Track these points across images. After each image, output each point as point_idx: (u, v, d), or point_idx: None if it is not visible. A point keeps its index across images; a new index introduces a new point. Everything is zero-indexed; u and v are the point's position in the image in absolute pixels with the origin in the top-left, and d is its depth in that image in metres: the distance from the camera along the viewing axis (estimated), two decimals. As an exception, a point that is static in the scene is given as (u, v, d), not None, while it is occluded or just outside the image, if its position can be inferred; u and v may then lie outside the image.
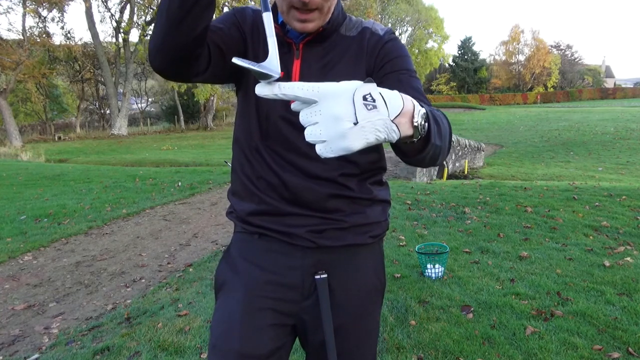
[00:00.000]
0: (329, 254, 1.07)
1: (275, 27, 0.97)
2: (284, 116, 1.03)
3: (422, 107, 0.74)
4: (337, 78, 0.87)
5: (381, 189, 1.14)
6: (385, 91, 0.67)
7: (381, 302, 1.17)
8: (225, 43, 0.99)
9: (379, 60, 1.03)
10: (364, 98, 0.63)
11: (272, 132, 1.04)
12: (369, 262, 1.12)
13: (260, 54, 1.02)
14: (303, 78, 1.01)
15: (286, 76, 1.02)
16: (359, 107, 0.63)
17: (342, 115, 0.62)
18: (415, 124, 0.70)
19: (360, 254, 1.10)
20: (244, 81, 1.07)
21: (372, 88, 0.65)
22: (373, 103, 0.63)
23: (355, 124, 0.62)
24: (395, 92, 0.69)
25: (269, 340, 1.05)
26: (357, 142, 0.62)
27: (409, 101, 0.70)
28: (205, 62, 0.95)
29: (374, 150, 1.09)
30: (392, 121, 0.65)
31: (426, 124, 0.74)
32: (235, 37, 1.03)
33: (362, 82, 0.65)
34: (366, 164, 1.08)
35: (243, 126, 1.09)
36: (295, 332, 1.13)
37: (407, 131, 0.69)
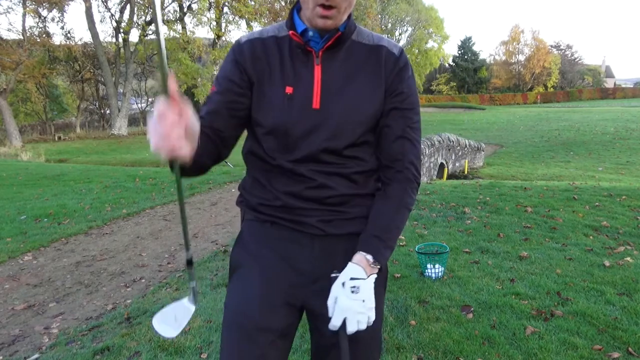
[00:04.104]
0: (336, 241, 1.16)
1: (295, 36, 1.11)
2: (314, 131, 1.11)
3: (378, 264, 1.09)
4: (359, 87, 1.13)
5: (378, 182, 1.23)
6: (356, 299, 1.03)
7: (384, 288, 1.24)
8: (236, 107, 1.14)
9: (393, 82, 1.15)
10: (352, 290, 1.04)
11: (294, 147, 1.13)
12: None
13: (265, 79, 1.13)
14: (325, 84, 1.11)
15: (308, 79, 1.11)
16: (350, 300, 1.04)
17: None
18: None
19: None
20: (261, 102, 1.14)
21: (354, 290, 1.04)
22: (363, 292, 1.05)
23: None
24: (358, 295, 1.03)
25: (283, 317, 1.15)
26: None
27: (369, 269, 1.07)
28: (234, 140, 1.17)
29: (372, 154, 1.20)
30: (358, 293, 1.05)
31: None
32: (238, 91, 1.13)
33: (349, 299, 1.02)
34: (374, 162, 1.18)
35: (267, 140, 1.15)
36: (301, 312, 1.22)
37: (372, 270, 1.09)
